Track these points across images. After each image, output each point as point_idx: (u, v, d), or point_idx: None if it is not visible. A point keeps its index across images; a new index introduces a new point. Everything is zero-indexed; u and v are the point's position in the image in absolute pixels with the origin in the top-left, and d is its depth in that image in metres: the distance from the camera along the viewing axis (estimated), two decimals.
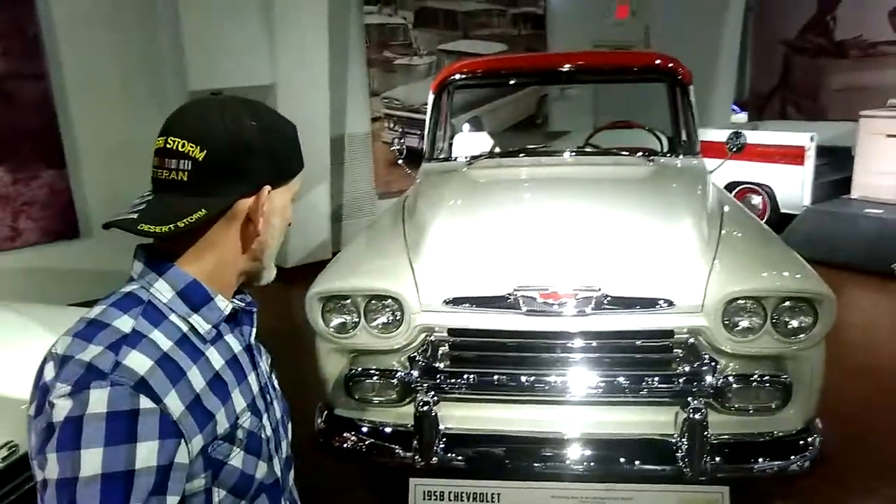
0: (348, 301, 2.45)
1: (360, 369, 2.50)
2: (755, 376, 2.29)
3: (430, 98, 3.86)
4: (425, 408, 2.36)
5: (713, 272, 2.32)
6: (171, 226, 0.93)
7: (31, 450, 0.89)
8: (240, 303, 1.13)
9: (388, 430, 2.51)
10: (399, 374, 2.45)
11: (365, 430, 2.53)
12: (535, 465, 2.35)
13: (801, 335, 2.25)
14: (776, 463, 2.29)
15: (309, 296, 2.45)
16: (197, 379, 0.95)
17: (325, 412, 2.62)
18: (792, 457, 2.30)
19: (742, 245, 2.63)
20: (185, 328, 0.99)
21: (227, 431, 0.98)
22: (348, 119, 7.06)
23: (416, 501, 2.33)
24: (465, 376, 2.40)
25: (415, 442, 2.39)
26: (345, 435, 2.54)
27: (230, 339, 1.06)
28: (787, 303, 2.24)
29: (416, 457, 2.38)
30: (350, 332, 2.46)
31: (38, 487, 0.87)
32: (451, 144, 4.16)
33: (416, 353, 2.45)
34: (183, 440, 0.90)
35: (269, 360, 1.23)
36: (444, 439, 2.40)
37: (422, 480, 2.34)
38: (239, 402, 1.02)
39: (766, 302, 2.25)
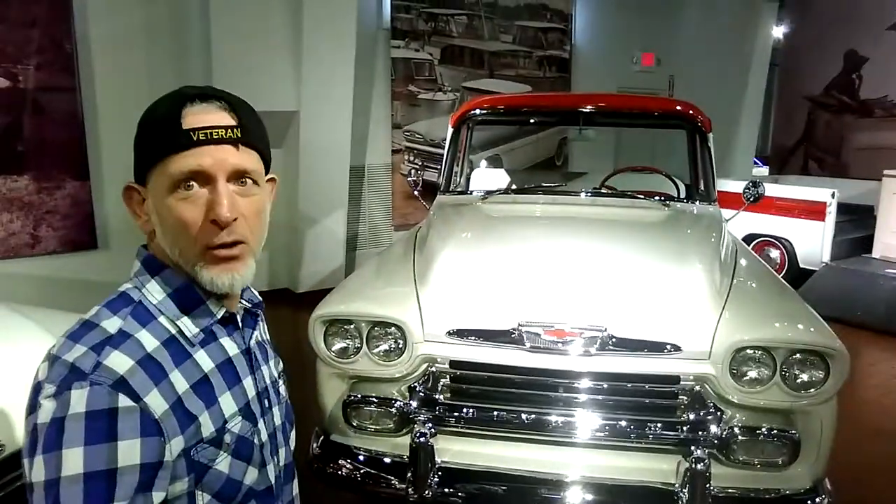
0: (351, 326, 2.43)
1: (358, 396, 2.47)
2: (762, 429, 2.22)
3: (449, 131, 3.88)
4: (422, 439, 2.31)
5: (722, 319, 2.28)
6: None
7: (23, 447, 0.89)
8: (246, 303, 1.11)
9: (383, 459, 2.46)
10: (398, 403, 2.42)
11: (360, 458, 2.49)
12: None
13: (812, 390, 2.19)
14: None
15: (312, 318, 2.44)
16: (180, 381, 0.94)
17: (322, 437, 2.59)
18: None
19: (754, 295, 2.58)
20: (173, 330, 0.98)
21: (212, 435, 0.96)
22: (369, 149, 7.14)
23: None
24: (465, 410, 2.36)
25: (409, 473, 2.34)
26: (340, 462, 2.50)
27: (226, 341, 1.05)
28: (798, 355, 2.19)
29: (410, 489, 2.33)
30: (351, 358, 2.44)
31: (27, 491, 0.87)
32: (468, 179, 4.17)
33: (416, 383, 2.41)
34: (164, 439, 0.89)
35: (279, 366, 1.21)
36: (440, 473, 2.35)
37: None
38: (228, 406, 1.00)
39: (775, 353, 2.20)
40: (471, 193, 3.77)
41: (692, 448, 2.19)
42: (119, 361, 0.89)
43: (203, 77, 5.72)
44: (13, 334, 1.78)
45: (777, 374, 2.19)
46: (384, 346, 2.43)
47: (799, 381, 2.19)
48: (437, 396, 2.39)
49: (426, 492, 2.32)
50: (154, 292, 0.99)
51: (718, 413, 2.23)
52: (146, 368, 0.91)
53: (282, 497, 1.14)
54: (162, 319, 0.98)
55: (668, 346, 2.23)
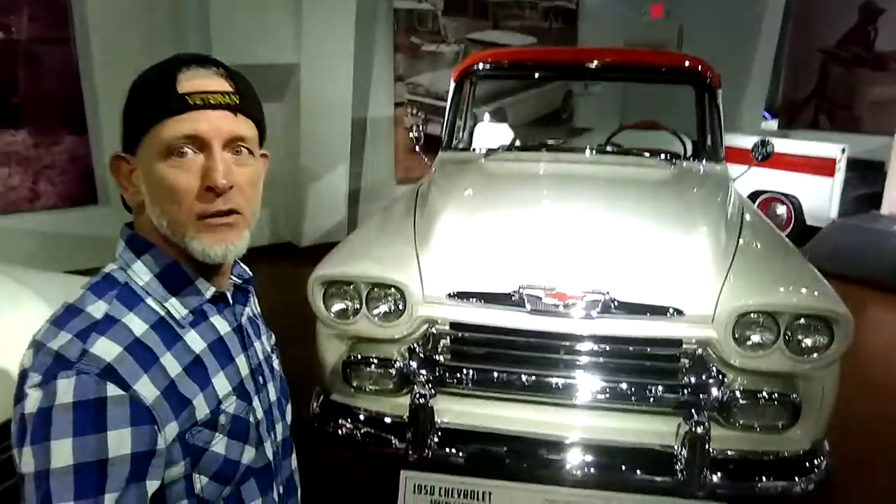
0: (351, 287, 2.40)
1: (358, 356, 2.46)
2: (763, 393, 2.20)
3: (451, 86, 3.79)
4: (421, 400, 2.31)
5: (727, 283, 2.25)
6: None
7: (12, 437, 0.87)
8: (236, 279, 1.08)
9: (383, 419, 2.46)
10: (398, 364, 2.41)
11: (361, 418, 2.49)
12: (531, 466, 2.30)
13: (815, 354, 2.17)
14: (780, 483, 2.21)
15: (311, 279, 2.41)
16: (172, 364, 0.91)
17: (322, 397, 2.59)
18: (796, 478, 2.22)
19: (759, 257, 2.54)
20: (162, 312, 0.95)
21: (207, 417, 0.94)
22: (371, 102, 7.02)
23: (405, 494, 2.29)
24: (465, 371, 2.36)
25: (408, 434, 2.35)
26: (340, 421, 2.51)
27: (217, 320, 1.02)
28: (802, 320, 2.16)
29: (410, 449, 2.34)
30: (351, 319, 2.42)
31: (18, 482, 0.85)
32: (470, 134, 4.09)
33: (416, 345, 2.40)
34: (157, 426, 0.87)
35: (271, 340, 1.19)
36: (440, 433, 2.36)
37: (413, 473, 2.30)
38: (222, 386, 0.98)
39: (779, 318, 2.17)
40: (473, 150, 3.70)
41: (692, 411, 2.19)
42: (106, 348, 0.86)
43: (200, 27, 5.59)
44: (6, 301, 1.75)
45: (780, 339, 2.16)
46: (384, 308, 2.41)
47: (802, 345, 2.17)
48: (437, 357, 2.37)
49: (426, 452, 2.33)
50: (140, 273, 0.95)
51: (720, 376, 2.22)
52: (135, 354, 0.88)
53: (280, 472, 1.13)
54: (150, 301, 0.94)
55: (671, 310, 2.20)
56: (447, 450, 2.34)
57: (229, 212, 0.94)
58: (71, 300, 0.92)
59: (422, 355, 2.38)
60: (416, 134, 3.86)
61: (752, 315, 2.18)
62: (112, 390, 0.84)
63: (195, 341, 0.97)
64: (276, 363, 1.18)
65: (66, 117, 5.45)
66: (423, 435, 2.32)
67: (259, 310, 1.19)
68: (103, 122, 5.53)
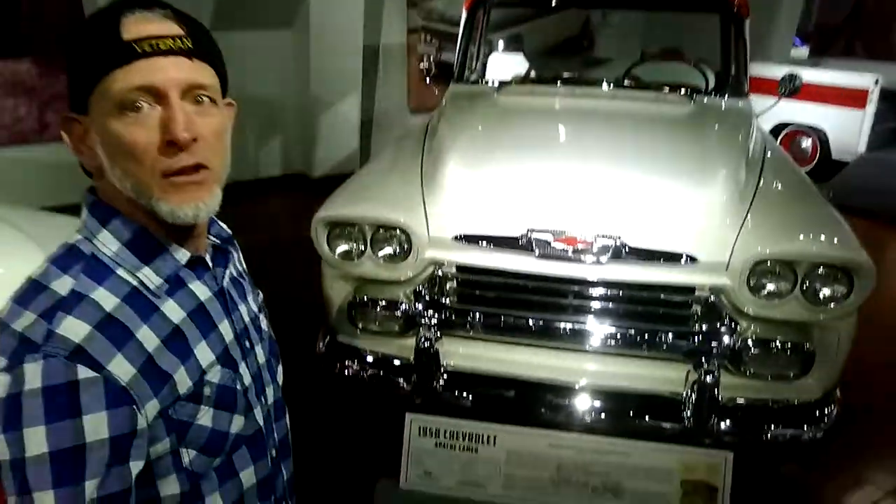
0: (355, 228, 2.35)
1: (364, 298, 2.42)
2: (776, 342, 2.15)
3: (464, 15, 3.61)
4: (426, 343, 2.29)
5: (743, 229, 2.16)
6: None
7: None
8: (215, 239, 1.02)
9: (389, 361, 2.46)
10: (403, 306, 2.37)
11: (367, 359, 2.48)
12: (537, 411, 2.29)
13: (833, 304, 2.10)
14: (788, 431, 2.19)
15: (314, 220, 2.36)
16: (149, 338, 0.86)
17: (328, 337, 2.58)
18: (805, 426, 2.19)
19: (779, 201, 2.44)
20: (134, 282, 0.88)
21: (190, 391, 0.89)
22: (384, 29, 6.79)
23: (410, 436, 2.29)
24: (471, 314, 2.33)
25: (414, 376, 2.34)
26: (346, 363, 2.50)
27: (196, 286, 0.95)
28: (821, 269, 2.08)
29: (414, 391, 2.34)
30: (355, 261, 2.38)
31: None
32: (484, 65, 3.94)
33: (422, 287, 2.36)
34: (135, 406, 0.82)
35: (258, 299, 1.13)
36: (446, 376, 2.34)
37: (418, 416, 2.29)
38: (205, 356, 0.93)
39: (797, 266, 2.09)
40: (486, 83, 3.56)
41: (702, 359, 2.15)
42: (73, 328, 0.80)
43: None
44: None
45: (797, 288, 2.09)
46: (388, 250, 2.36)
47: (820, 295, 2.09)
48: (443, 300, 2.34)
49: (431, 395, 2.32)
50: (107, 242, 0.88)
51: (732, 325, 2.17)
52: (106, 332, 0.82)
53: (273, 435, 1.10)
54: (120, 272, 0.87)
55: (684, 257, 2.13)
56: (453, 393, 2.33)
57: (196, 167, 0.86)
58: (34, 274, 0.86)
59: (428, 298, 2.35)
60: (426, 65, 3.72)
61: (768, 263, 2.10)
62: (83, 373, 0.79)
63: (173, 311, 0.91)
64: (264, 324, 1.13)
65: None
66: (429, 377, 2.31)
67: (245, 267, 1.14)
68: None
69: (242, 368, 1.00)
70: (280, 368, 1.16)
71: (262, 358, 1.07)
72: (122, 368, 0.82)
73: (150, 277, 0.89)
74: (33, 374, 0.77)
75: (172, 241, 0.92)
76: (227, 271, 1.02)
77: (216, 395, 0.93)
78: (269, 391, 1.09)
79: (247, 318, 1.05)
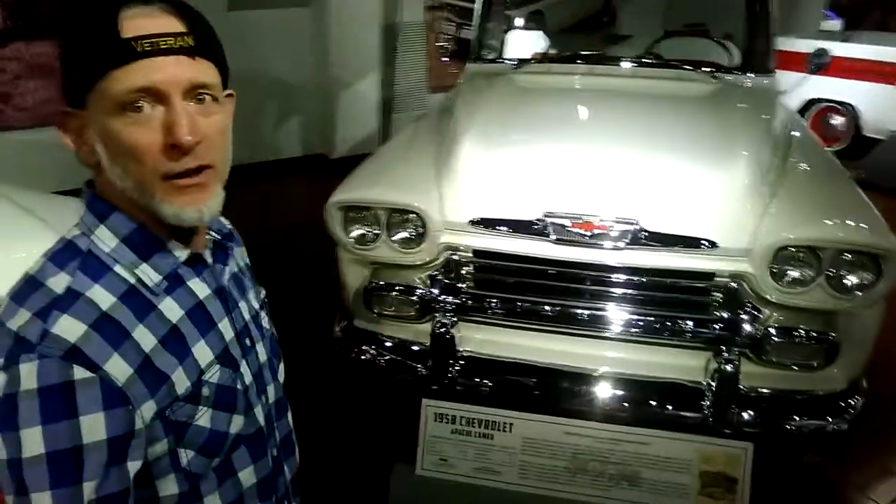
0: (370, 212, 2.33)
1: (380, 283, 2.41)
2: (799, 331, 2.09)
3: None
4: (442, 329, 2.27)
5: (766, 214, 2.10)
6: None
7: None
8: (215, 235, 1.00)
9: (406, 346, 2.44)
10: (419, 291, 2.35)
11: (385, 344, 2.47)
12: (554, 398, 2.27)
13: (859, 292, 2.03)
14: (812, 422, 2.14)
15: (329, 204, 2.34)
16: (146, 337, 0.84)
17: (344, 322, 2.57)
18: (829, 417, 2.14)
19: (805, 183, 2.36)
20: (132, 280, 0.86)
21: (188, 391, 0.88)
22: (403, 6, 6.69)
23: (426, 422, 2.28)
24: (488, 299, 2.30)
25: (430, 362, 2.32)
26: (363, 347, 2.49)
27: (195, 283, 0.93)
28: (847, 255, 2.01)
29: (430, 377, 2.32)
30: (370, 245, 2.36)
31: None
32: (503, 42, 3.86)
33: (437, 272, 2.34)
34: (132, 407, 0.81)
35: (260, 295, 1.11)
36: (462, 362, 2.33)
37: (434, 402, 2.28)
38: (204, 355, 0.91)
39: (822, 252, 2.02)
40: (503, 61, 3.49)
41: (723, 347, 2.10)
42: (69, 327, 0.78)
43: None
44: (11, 232, 1.72)
45: (822, 276, 2.03)
46: (404, 234, 2.33)
47: (846, 283, 2.03)
48: (459, 285, 2.32)
49: (447, 381, 2.31)
50: (105, 238, 0.86)
51: (754, 312, 2.11)
52: (102, 331, 0.80)
53: (275, 435, 1.08)
54: (118, 269, 0.85)
55: (705, 242, 2.08)
56: (469, 379, 2.32)
57: (199, 169, 0.85)
58: (31, 270, 0.84)
59: (444, 282, 2.32)
60: (443, 43, 3.66)
61: (791, 249, 2.04)
62: (79, 373, 0.77)
63: (171, 309, 0.89)
64: (265, 321, 1.10)
65: None
66: (444, 363, 2.30)
67: (248, 261, 1.11)
68: None
69: (243, 367, 0.98)
70: (281, 366, 1.14)
71: (263, 356, 1.05)
72: (118, 369, 0.80)
73: (148, 274, 0.87)
74: (29, 374, 0.76)
75: (171, 239, 0.90)
76: (227, 268, 1.00)
77: (215, 396, 0.92)
78: (271, 390, 1.07)
79: (247, 316, 1.03)
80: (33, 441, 0.76)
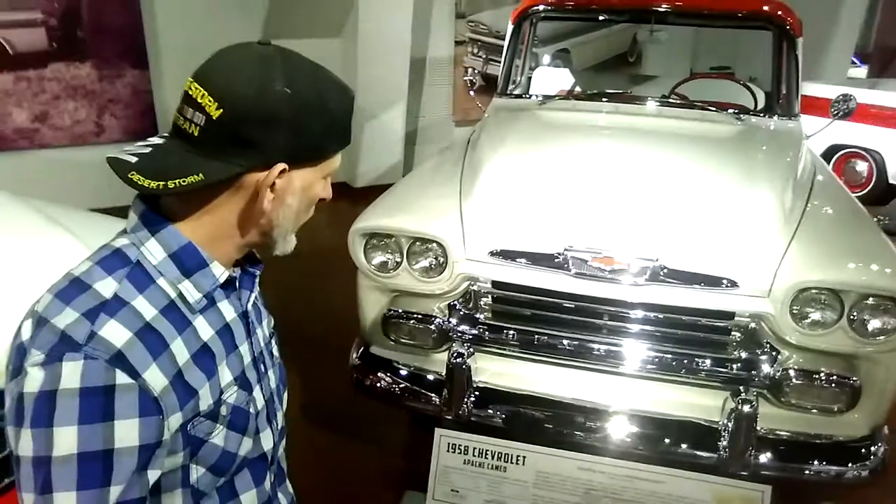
0: (392, 240, 2.36)
1: (398, 311, 2.43)
2: (820, 374, 2.08)
3: (509, 28, 3.61)
4: (458, 359, 2.28)
5: (787, 254, 2.09)
6: (161, 183, 0.83)
7: (6, 413, 0.83)
8: (242, 267, 1.04)
9: (422, 375, 2.45)
10: (437, 320, 2.37)
11: (401, 372, 2.48)
12: (568, 432, 2.25)
13: (882, 337, 2.01)
14: (832, 468, 2.11)
15: (352, 231, 2.37)
16: (181, 351, 0.87)
17: (361, 349, 2.59)
18: (850, 464, 2.10)
19: (827, 226, 2.36)
20: (173, 294, 0.89)
21: (210, 408, 0.90)
22: (431, 41, 6.83)
23: (439, 453, 2.28)
24: (505, 331, 2.31)
25: (445, 392, 2.33)
26: (379, 374, 2.50)
27: (224, 305, 0.97)
28: (870, 300, 2.00)
29: (445, 407, 2.32)
30: (391, 272, 2.38)
31: (12, 460, 0.82)
32: (529, 79, 3.92)
33: (456, 301, 2.35)
34: (162, 417, 0.83)
35: (271, 324, 1.14)
36: (477, 393, 2.33)
37: (447, 432, 2.27)
38: (225, 375, 0.94)
39: (844, 296, 2.01)
40: (529, 97, 3.54)
41: (741, 387, 2.08)
42: (116, 333, 0.81)
43: None
44: (41, 243, 1.77)
45: (844, 319, 2.01)
46: (425, 263, 2.35)
47: (869, 327, 2.01)
48: (477, 316, 2.33)
49: (461, 411, 2.30)
50: (154, 251, 0.89)
51: (773, 353, 2.10)
52: (145, 340, 0.83)
53: (276, 462, 1.11)
54: (161, 282, 0.89)
55: (725, 281, 2.07)
56: (484, 410, 2.31)
57: None
58: (75, 272, 0.87)
59: (462, 313, 2.34)
60: (470, 77, 3.73)
61: (813, 291, 2.03)
62: (121, 378, 0.79)
63: (203, 328, 0.92)
64: (275, 349, 1.13)
65: (128, 51, 5.50)
66: (460, 393, 2.30)
67: (259, 290, 1.15)
68: (163, 56, 5.55)
69: (256, 392, 1.01)
70: (286, 395, 1.17)
71: (273, 383, 1.08)
72: (155, 379, 0.83)
73: (190, 291, 0.90)
74: (72, 373, 0.78)
75: (214, 259, 0.93)
76: (252, 294, 1.03)
77: (231, 416, 0.94)
78: (279, 417, 1.10)
79: (262, 343, 1.06)
80: (67, 440, 0.77)
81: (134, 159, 0.86)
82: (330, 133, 0.93)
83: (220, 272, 0.94)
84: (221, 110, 0.84)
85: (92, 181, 5.33)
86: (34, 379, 0.78)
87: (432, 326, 2.38)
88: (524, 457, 2.20)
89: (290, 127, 0.87)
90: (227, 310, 0.97)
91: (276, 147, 0.88)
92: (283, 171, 0.89)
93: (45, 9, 5.15)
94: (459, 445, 2.25)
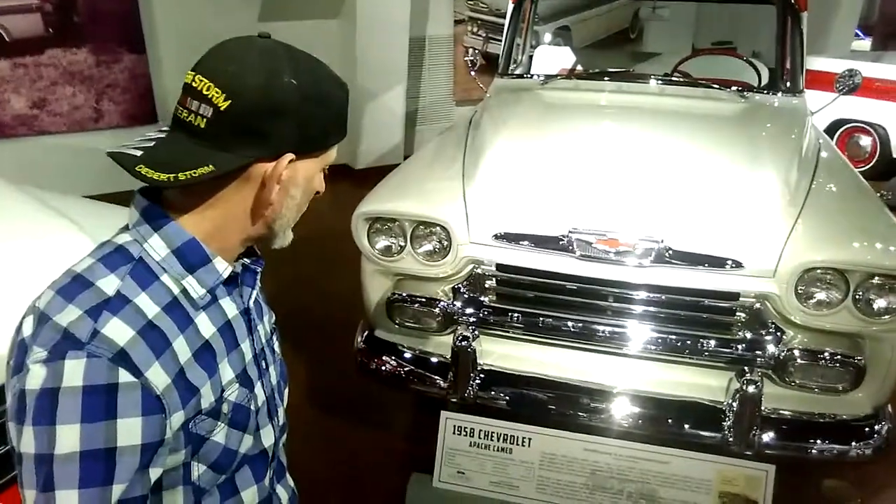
0: (395, 224, 2.35)
1: (403, 294, 2.43)
2: (824, 353, 2.08)
3: (510, 6, 3.57)
4: (464, 342, 2.28)
5: (793, 234, 2.09)
6: (171, 176, 0.83)
7: (7, 408, 0.83)
8: (245, 259, 1.03)
9: (427, 358, 2.46)
10: (441, 303, 2.37)
11: (405, 355, 2.49)
12: (573, 413, 2.27)
13: (887, 316, 2.01)
14: (835, 447, 2.12)
15: (355, 215, 2.37)
16: (183, 349, 0.87)
17: (366, 332, 2.59)
18: (853, 443, 2.11)
19: (832, 205, 2.34)
20: (176, 290, 0.89)
21: (211, 406, 0.91)
22: (430, 20, 6.76)
23: (445, 435, 2.29)
24: (510, 314, 2.31)
25: (450, 374, 2.34)
26: (384, 358, 2.51)
27: (226, 302, 0.97)
28: (876, 279, 1.99)
29: (450, 390, 2.33)
30: (395, 256, 2.38)
31: (14, 457, 0.83)
32: (531, 57, 3.89)
33: (460, 285, 2.35)
34: (164, 415, 0.83)
35: (272, 320, 1.14)
36: (483, 375, 2.34)
37: (453, 415, 2.29)
38: (226, 373, 0.94)
39: (849, 275, 2.01)
40: (531, 76, 3.51)
41: (745, 368, 2.09)
42: (119, 331, 0.81)
43: None
44: (44, 234, 1.76)
45: (849, 298, 2.01)
46: (428, 246, 2.35)
47: (874, 306, 2.01)
48: (481, 298, 2.33)
49: (467, 393, 2.31)
50: (157, 247, 0.89)
51: (778, 333, 2.10)
52: (147, 338, 0.83)
53: (276, 458, 1.11)
54: (165, 278, 0.89)
55: (730, 262, 2.07)
56: (489, 392, 2.32)
57: None
58: (77, 269, 0.87)
59: (466, 296, 2.34)
60: (471, 58, 3.69)
61: (818, 271, 2.03)
62: (124, 377, 0.79)
63: (205, 325, 0.92)
64: (276, 345, 1.14)
65: (125, 35, 5.45)
66: (465, 376, 2.31)
67: (261, 285, 1.15)
68: (161, 40, 5.51)
69: (258, 389, 1.01)
70: (286, 391, 1.17)
71: (274, 380, 1.08)
72: (158, 377, 0.83)
73: (193, 286, 0.91)
74: (74, 371, 0.78)
75: (217, 254, 0.93)
76: (254, 291, 1.03)
77: (232, 413, 0.94)
78: (280, 413, 1.10)
79: (264, 340, 1.06)
80: (69, 438, 0.77)
81: (139, 153, 0.86)
82: (331, 124, 0.95)
83: (223, 267, 0.94)
84: (230, 101, 0.84)
85: (92, 167, 5.32)
86: (36, 376, 0.78)
87: (437, 310, 2.38)
88: (530, 438, 2.22)
89: (297, 117, 0.88)
90: (229, 307, 0.97)
91: (284, 137, 0.88)
92: (290, 162, 0.90)
93: None
94: (465, 428, 2.26)
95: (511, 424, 2.23)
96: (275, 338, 1.14)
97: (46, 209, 1.93)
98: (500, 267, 2.31)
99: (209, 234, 0.92)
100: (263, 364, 1.04)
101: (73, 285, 0.84)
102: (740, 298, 2.12)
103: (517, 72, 3.62)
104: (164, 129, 0.91)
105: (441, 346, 2.43)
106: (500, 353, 2.37)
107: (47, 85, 5.28)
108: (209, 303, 0.93)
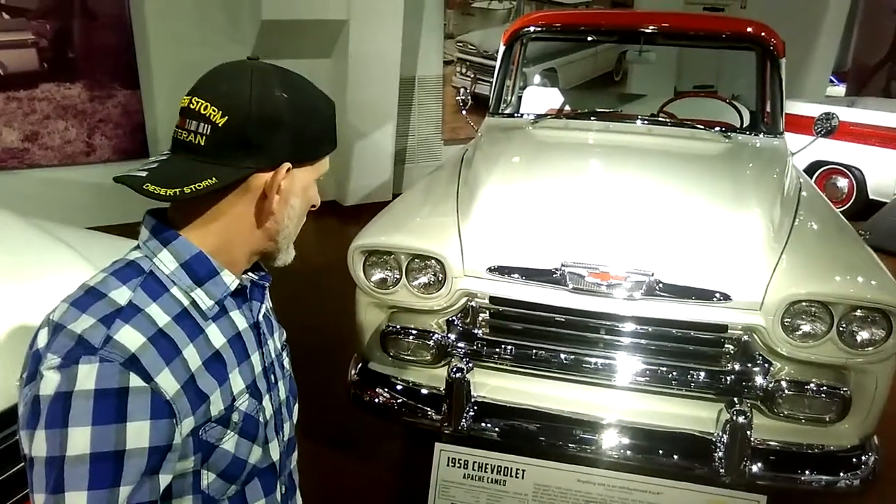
0: (391, 257, 2.39)
1: (397, 326, 2.46)
2: (811, 384, 2.13)
3: (501, 49, 3.69)
4: (458, 374, 2.30)
5: (778, 268, 2.15)
6: (176, 190, 0.88)
7: (19, 419, 0.86)
8: (253, 275, 1.07)
9: (420, 390, 2.47)
10: (435, 335, 2.40)
11: (398, 387, 2.50)
12: (566, 445, 2.28)
13: (870, 348, 2.07)
14: (823, 478, 2.15)
15: (351, 248, 2.40)
16: (193, 357, 0.90)
17: (360, 364, 2.61)
18: (841, 473, 2.15)
19: (815, 241, 2.43)
20: (186, 302, 0.93)
21: (221, 414, 0.94)
22: (420, 60, 6.91)
23: (439, 467, 2.30)
24: (503, 346, 2.34)
25: (444, 406, 2.35)
26: (377, 390, 2.52)
27: (236, 315, 1.00)
28: (858, 311, 2.06)
29: (444, 422, 2.35)
30: (390, 289, 2.41)
31: (25, 463, 0.85)
32: (520, 98, 4.00)
33: (454, 317, 2.39)
34: (174, 420, 0.86)
35: (282, 337, 1.17)
36: (476, 407, 2.35)
37: (447, 446, 2.30)
38: (237, 383, 0.97)
39: (833, 308, 2.07)
40: (521, 116, 3.60)
41: (734, 399, 2.13)
42: (130, 337, 0.84)
43: None
44: (47, 258, 1.78)
45: (833, 330, 2.07)
46: (423, 279, 2.39)
47: (857, 338, 2.07)
48: (475, 331, 2.36)
49: (461, 426, 2.33)
50: (166, 262, 0.93)
51: (765, 365, 2.15)
52: (158, 346, 0.86)
53: (285, 472, 1.13)
54: (174, 291, 0.93)
55: (718, 295, 2.13)
56: (482, 424, 2.34)
57: None
58: (90, 283, 0.91)
59: (460, 328, 2.37)
60: (462, 97, 3.79)
61: (803, 304, 2.09)
62: (134, 381, 0.82)
63: (216, 335, 0.95)
64: (286, 361, 1.16)
65: (119, 71, 5.52)
66: (459, 408, 2.32)
67: (271, 304, 1.18)
68: (154, 76, 5.58)
69: (266, 401, 1.04)
70: (296, 407, 1.19)
71: (283, 394, 1.11)
72: (168, 383, 0.86)
73: (202, 298, 0.94)
74: (87, 375, 0.81)
75: (224, 267, 0.97)
76: (263, 306, 1.07)
77: (242, 423, 0.97)
78: (286, 428, 1.12)
79: (273, 354, 1.09)
80: (80, 440, 0.79)
81: (144, 173, 0.90)
82: (324, 134, 1.01)
83: (230, 280, 0.98)
84: (227, 117, 0.90)
85: (83, 200, 5.35)
86: (50, 381, 0.81)
87: (430, 342, 2.41)
88: (523, 470, 2.23)
89: (291, 128, 0.94)
90: (239, 319, 1.01)
91: (280, 147, 0.94)
92: (287, 171, 0.95)
93: (37, 30, 5.18)
94: (459, 459, 2.27)
95: (505, 456, 2.24)
96: (285, 354, 1.17)
97: (46, 236, 1.95)
98: (493, 299, 2.35)
99: (216, 247, 0.96)
100: (273, 378, 1.07)
101: (87, 297, 0.88)
102: (728, 330, 2.18)
103: (507, 111, 3.72)
104: (165, 153, 0.96)
105: (434, 378, 2.45)
106: (493, 385, 2.39)
107: (40, 119, 5.32)
108: (219, 314, 0.97)
